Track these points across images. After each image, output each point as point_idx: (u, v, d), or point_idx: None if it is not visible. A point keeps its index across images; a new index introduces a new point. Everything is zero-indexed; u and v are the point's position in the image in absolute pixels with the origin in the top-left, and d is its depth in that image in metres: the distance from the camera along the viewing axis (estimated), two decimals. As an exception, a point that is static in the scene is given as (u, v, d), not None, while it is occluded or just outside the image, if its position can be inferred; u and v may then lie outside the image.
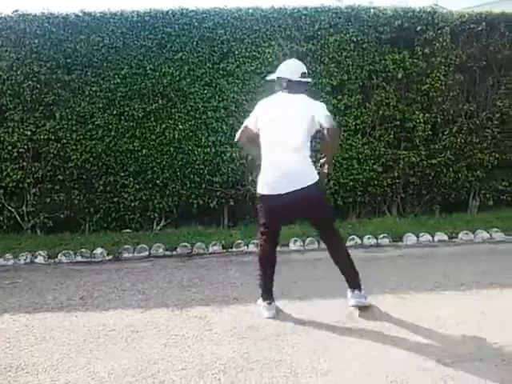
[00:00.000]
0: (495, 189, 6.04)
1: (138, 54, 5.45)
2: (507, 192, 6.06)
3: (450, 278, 3.88)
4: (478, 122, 5.87)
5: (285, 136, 3.05)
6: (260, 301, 3.27)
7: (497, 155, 5.91)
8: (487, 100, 5.90)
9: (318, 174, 3.16)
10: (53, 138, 5.45)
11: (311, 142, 3.18)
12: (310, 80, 3.38)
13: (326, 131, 2.99)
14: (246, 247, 5.00)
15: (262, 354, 2.70)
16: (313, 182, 3.06)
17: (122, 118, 5.50)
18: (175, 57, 5.47)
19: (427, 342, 2.79)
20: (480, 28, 5.72)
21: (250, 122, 3.24)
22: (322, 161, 3.26)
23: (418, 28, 5.64)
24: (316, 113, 3.04)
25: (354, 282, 3.21)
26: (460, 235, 5.18)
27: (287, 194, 3.00)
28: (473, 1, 9.38)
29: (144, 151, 5.52)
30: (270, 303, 3.21)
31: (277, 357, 2.66)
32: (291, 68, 3.23)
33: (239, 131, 3.30)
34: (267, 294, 3.23)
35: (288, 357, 2.66)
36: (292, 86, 3.16)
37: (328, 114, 3.05)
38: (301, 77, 3.19)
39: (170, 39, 5.45)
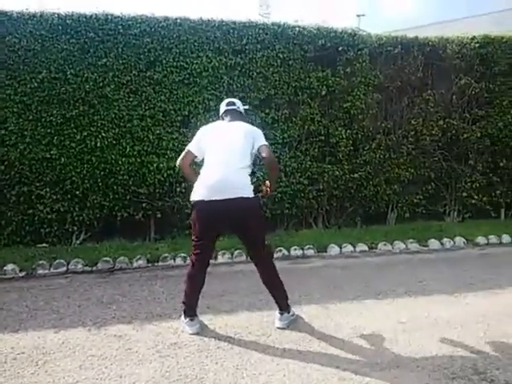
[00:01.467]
0: (411, 202, 6.44)
1: (58, 58, 5.19)
2: (421, 205, 6.49)
3: (370, 288, 4.06)
4: (394, 138, 6.25)
5: (229, 153, 3.10)
6: (183, 317, 3.19)
7: (412, 170, 6.32)
8: (403, 119, 6.32)
9: (261, 191, 3.31)
10: (-42, 143, 5.01)
11: (253, 164, 3.27)
12: (238, 108, 3.46)
13: (264, 160, 3.20)
14: (172, 261, 4.90)
15: (184, 372, 2.62)
16: (251, 195, 3.09)
17: (39, 123, 5.19)
18: (99, 62, 5.27)
19: (347, 351, 2.87)
20: (396, 51, 6.14)
21: (191, 146, 3.24)
22: (267, 182, 3.35)
23: (340, 48, 5.92)
24: (256, 140, 3.19)
25: (282, 304, 3.22)
26: (379, 246, 5.46)
27: (224, 200, 2.97)
28: (392, 25, 10.08)
29: (62, 160, 5.24)
30: (192, 319, 3.14)
31: (199, 374, 2.59)
32: (221, 104, 3.51)
33: (181, 156, 3.27)
34: (190, 311, 3.16)
35: (211, 373, 2.60)
36: (228, 115, 3.37)
37: (266, 143, 3.20)
38: (227, 105, 3.41)
39: (93, 44, 5.25)
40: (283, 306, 3.23)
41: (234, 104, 3.44)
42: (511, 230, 6.03)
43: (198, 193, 3.08)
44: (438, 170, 6.49)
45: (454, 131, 6.41)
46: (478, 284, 4.13)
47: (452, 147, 6.50)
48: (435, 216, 6.57)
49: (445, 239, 5.63)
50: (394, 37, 6.21)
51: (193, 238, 3.16)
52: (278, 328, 3.19)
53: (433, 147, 6.41)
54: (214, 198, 2.99)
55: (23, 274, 4.56)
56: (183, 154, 3.26)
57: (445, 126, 6.35)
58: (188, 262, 4.80)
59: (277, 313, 3.23)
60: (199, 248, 3.12)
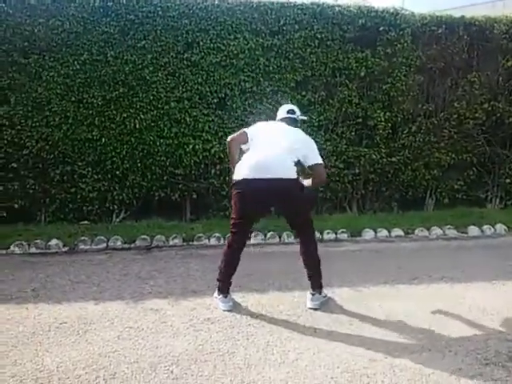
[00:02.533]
0: (451, 188, 6.25)
1: (99, 41, 5.30)
2: (462, 191, 6.29)
3: (405, 273, 4.00)
4: (436, 122, 6.05)
5: (276, 145, 3.13)
6: (216, 293, 3.27)
7: (453, 155, 6.12)
8: (445, 101, 6.10)
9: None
10: (7, 123, 5.24)
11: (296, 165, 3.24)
12: (297, 117, 3.49)
13: (313, 177, 3.26)
14: (207, 240, 4.99)
15: (216, 346, 2.69)
16: (293, 178, 3.11)
17: (81, 105, 5.35)
18: (138, 45, 5.35)
19: (379, 334, 2.86)
20: (440, 31, 5.90)
21: (247, 129, 3.30)
22: (307, 180, 3.34)
23: (381, 28, 5.76)
24: (308, 154, 3.19)
25: (316, 284, 3.24)
26: (416, 231, 5.36)
27: (265, 180, 2.99)
28: (438, 5, 9.60)
29: (103, 140, 5.39)
30: (225, 296, 3.21)
31: (231, 349, 2.66)
32: (280, 110, 3.54)
33: (236, 133, 3.30)
34: (224, 288, 3.23)
35: (242, 348, 2.66)
36: (284, 120, 3.42)
37: (321, 162, 3.22)
38: (288, 113, 3.44)
39: (132, 27, 5.33)
40: (316, 286, 3.24)
41: (294, 112, 3.47)
42: (557, 218, 5.76)
43: (240, 173, 3.12)
44: (481, 155, 6.25)
45: (499, 115, 6.14)
46: (517, 272, 4.00)
47: (496, 131, 6.23)
48: (476, 202, 6.35)
49: (485, 226, 5.45)
50: (438, 16, 5.97)
51: (232, 216, 3.22)
52: (310, 308, 3.21)
53: (476, 131, 6.17)
54: (255, 177, 3.02)
55: (66, 249, 4.77)
56: (237, 132, 3.31)
57: (490, 109, 6.09)
58: (222, 242, 4.93)
59: (308, 293, 3.26)
60: (237, 227, 3.18)
